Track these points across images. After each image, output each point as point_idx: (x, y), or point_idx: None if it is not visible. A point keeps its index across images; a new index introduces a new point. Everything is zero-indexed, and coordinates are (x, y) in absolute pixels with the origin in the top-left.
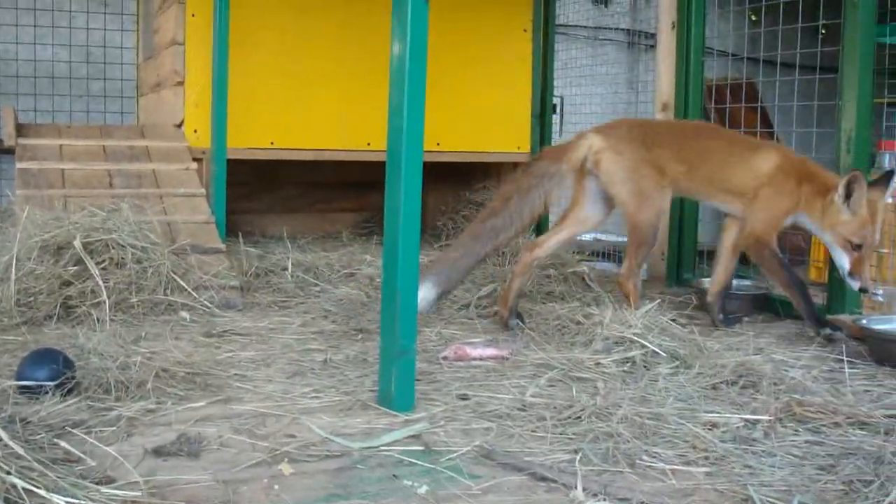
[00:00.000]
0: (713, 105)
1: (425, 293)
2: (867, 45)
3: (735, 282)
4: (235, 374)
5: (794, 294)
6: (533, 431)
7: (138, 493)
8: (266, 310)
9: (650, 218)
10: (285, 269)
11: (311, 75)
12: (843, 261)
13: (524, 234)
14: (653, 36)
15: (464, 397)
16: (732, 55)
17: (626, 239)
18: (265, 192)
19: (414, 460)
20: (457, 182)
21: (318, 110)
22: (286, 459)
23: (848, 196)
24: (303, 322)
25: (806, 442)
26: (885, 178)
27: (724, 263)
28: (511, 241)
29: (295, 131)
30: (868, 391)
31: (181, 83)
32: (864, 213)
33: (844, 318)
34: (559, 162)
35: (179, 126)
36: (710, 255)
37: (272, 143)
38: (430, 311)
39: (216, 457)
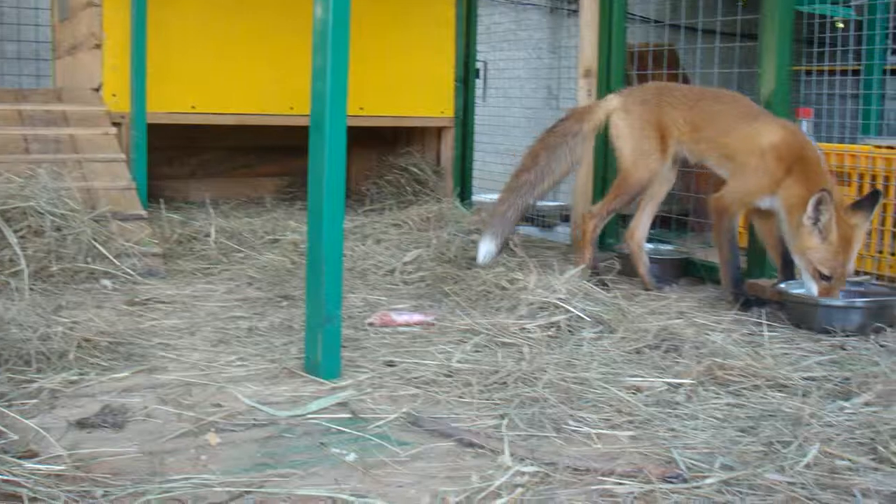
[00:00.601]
0: (635, 71)
1: (488, 247)
2: (786, 14)
3: (656, 246)
4: (159, 343)
5: (728, 272)
6: (459, 397)
7: (62, 467)
8: (189, 277)
9: (642, 176)
10: (208, 235)
11: (232, 38)
12: (811, 287)
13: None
14: (575, 1)
15: (390, 364)
16: (655, 21)
17: (551, 203)
18: (187, 157)
19: (341, 428)
20: (381, 146)
21: (240, 74)
22: (213, 429)
23: (818, 219)
24: (227, 289)
25: (727, 405)
26: (869, 201)
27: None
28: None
29: (217, 95)
30: (787, 354)
31: (99, 46)
32: (835, 240)
33: (763, 282)
34: (582, 122)
35: (98, 90)
36: (632, 219)
37: (193, 108)
38: (490, 262)
39: (141, 428)
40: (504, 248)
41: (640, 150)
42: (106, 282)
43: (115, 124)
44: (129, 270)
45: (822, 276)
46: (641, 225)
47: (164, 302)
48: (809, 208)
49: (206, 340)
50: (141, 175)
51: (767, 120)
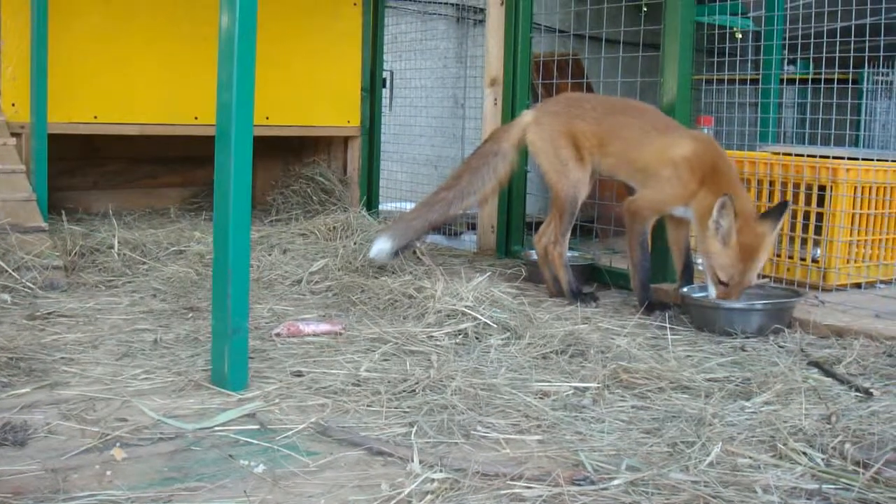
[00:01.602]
0: (540, 80)
1: (382, 245)
2: (687, 24)
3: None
4: (62, 358)
5: (637, 275)
6: (368, 406)
7: None
8: (92, 290)
9: (566, 188)
10: (111, 247)
11: (136, 47)
12: (710, 290)
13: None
14: (482, 11)
15: (298, 374)
16: (559, 31)
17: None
18: (88, 168)
19: (250, 439)
20: (287, 156)
21: (143, 83)
22: (118, 444)
23: (720, 224)
24: (131, 301)
25: (632, 407)
26: (778, 211)
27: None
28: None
29: (119, 105)
30: (689, 356)
31: None
32: (735, 246)
33: (666, 286)
34: (500, 141)
35: None
36: (539, 226)
37: (95, 118)
38: (385, 260)
39: (44, 444)
40: (403, 252)
41: (557, 161)
42: (5, 296)
43: (14, 135)
44: (29, 284)
45: (720, 281)
46: (549, 232)
47: (66, 315)
48: (714, 213)
49: (111, 354)
50: (41, 186)
51: (679, 132)
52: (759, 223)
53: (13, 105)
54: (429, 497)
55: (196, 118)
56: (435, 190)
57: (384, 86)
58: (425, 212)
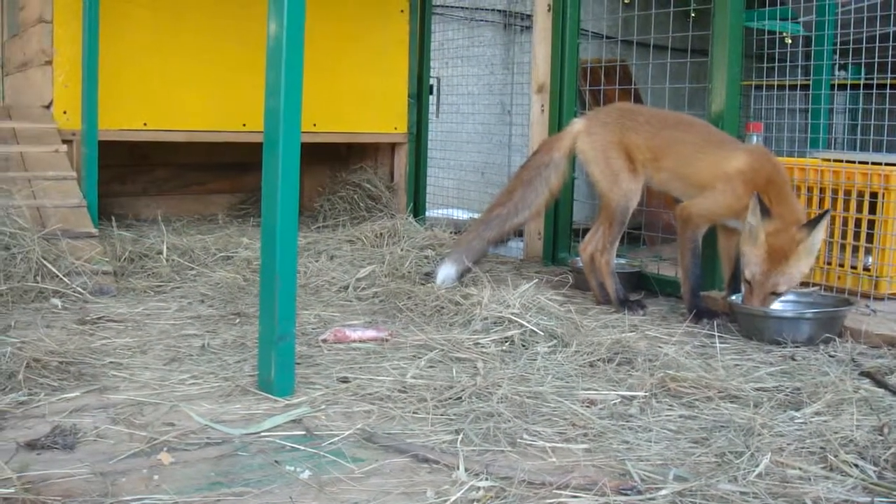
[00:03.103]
0: (588, 86)
1: (447, 272)
2: (736, 30)
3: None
4: (111, 363)
5: (687, 282)
6: (414, 413)
7: (11, 490)
8: (141, 295)
9: (618, 198)
10: (160, 252)
11: (184, 54)
12: (743, 287)
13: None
14: (529, 17)
15: (344, 380)
16: (607, 37)
17: None
18: (138, 175)
19: (296, 445)
20: (334, 163)
21: (191, 90)
22: (165, 448)
23: (750, 223)
24: (179, 307)
25: (680, 416)
26: (816, 219)
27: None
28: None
29: (168, 112)
30: (738, 365)
31: (49, 63)
32: (763, 245)
33: (714, 294)
34: (551, 151)
35: (48, 107)
36: (585, 234)
37: (145, 125)
38: (451, 285)
39: (92, 448)
40: (467, 275)
41: (609, 171)
42: (56, 301)
43: (65, 142)
44: (79, 289)
45: (745, 280)
46: (595, 240)
47: (115, 320)
48: (749, 213)
49: (159, 359)
50: (92, 193)
51: (733, 145)
52: (798, 230)
53: (65, 113)
54: None
55: (244, 125)
56: (489, 207)
57: (431, 92)
58: (482, 230)
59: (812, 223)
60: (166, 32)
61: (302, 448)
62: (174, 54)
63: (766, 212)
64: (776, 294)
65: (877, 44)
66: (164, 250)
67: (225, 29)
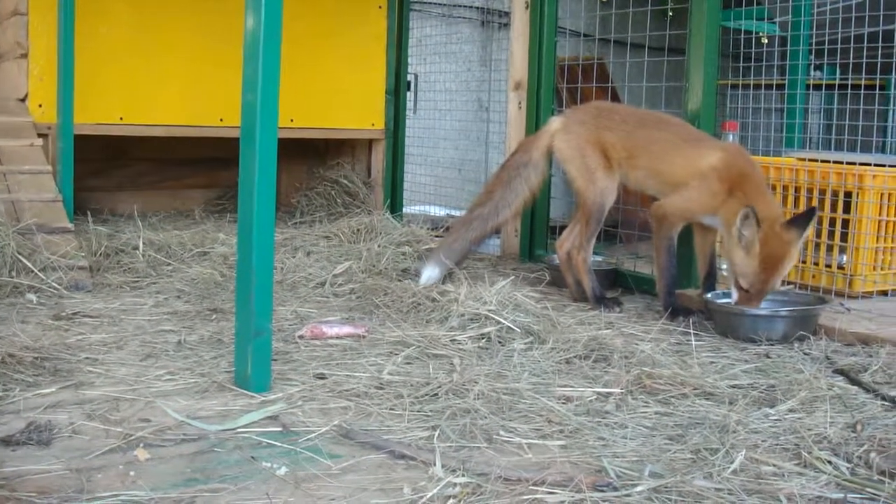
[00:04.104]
0: (565, 84)
1: (430, 273)
2: (712, 29)
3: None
4: (86, 358)
5: (662, 280)
6: (391, 409)
7: None
8: (117, 290)
9: (594, 196)
10: (136, 248)
11: (161, 49)
12: (733, 294)
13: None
14: (507, 14)
15: (321, 376)
16: (584, 35)
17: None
18: (114, 169)
19: (272, 441)
20: (311, 158)
21: (169, 85)
22: (141, 444)
23: (742, 234)
24: (155, 303)
25: (656, 413)
26: (805, 218)
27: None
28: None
29: (145, 106)
30: (713, 363)
31: (24, 55)
32: (757, 255)
33: (690, 292)
34: (530, 150)
35: (23, 100)
36: (562, 231)
37: (121, 119)
38: (435, 286)
39: (68, 444)
40: (450, 276)
41: (586, 169)
42: (31, 296)
43: (41, 135)
44: (54, 284)
45: (741, 288)
46: (571, 237)
47: (91, 316)
48: (737, 223)
49: (135, 354)
50: (67, 187)
51: (709, 143)
52: (785, 231)
53: (40, 106)
54: (451, 501)
55: (221, 120)
56: (470, 207)
57: (409, 89)
58: (464, 232)
59: (799, 224)
60: (143, 26)
61: (278, 444)
62: (151, 48)
63: (759, 221)
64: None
65: (852, 45)
66: (141, 245)
67: (203, 23)
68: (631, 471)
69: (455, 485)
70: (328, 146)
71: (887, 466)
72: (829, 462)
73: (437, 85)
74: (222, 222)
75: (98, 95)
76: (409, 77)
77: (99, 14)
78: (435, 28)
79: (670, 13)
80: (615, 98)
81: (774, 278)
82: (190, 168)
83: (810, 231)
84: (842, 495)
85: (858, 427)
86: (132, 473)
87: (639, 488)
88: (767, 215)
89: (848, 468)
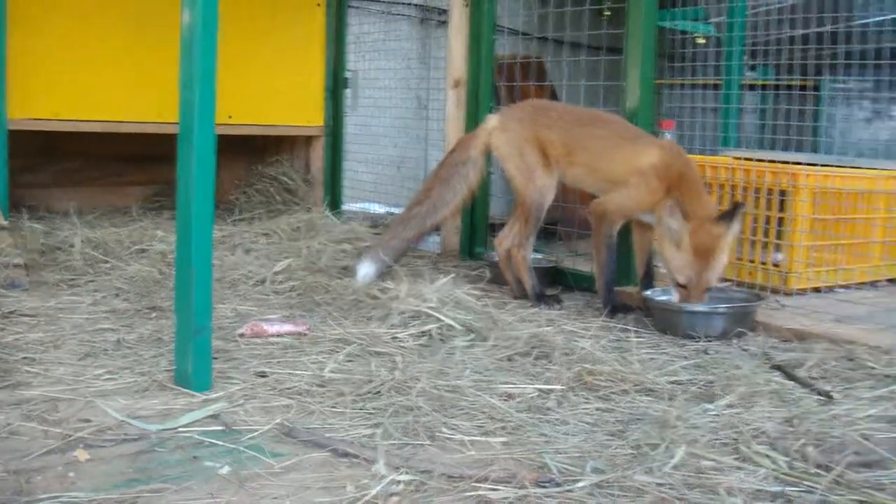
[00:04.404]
0: (503, 82)
1: (366, 270)
2: (649, 29)
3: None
4: (23, 358)
5: (602, 277)
6: (333, 407)
7: None
8: (54, 289)
9: (533, 194)
10: (73, 245)
11: (99, 43)
12: (673, 294)
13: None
14: (445, 12)
15: (262, 375)
16: (523, 34)
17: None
18: (50, 165)
19: (214, 440)
20: (250, 155)
21: (106, 80)
22: (81, 445)
23: (671, 228)
24: (93, 301)
25: (597, 409)
26: (731, 211)
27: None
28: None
29: (81, 102)
30: (653, 359)
31: None
32: (688, 248)
33: (630, 289)
34: (468, 149)
35: None
36: (502, 227)
37: (57, 114)
38: (371, 284)
39: (5, 446)
40: (386, 273)
41: (525, 166)
42: None
43: None
44: None
45: (679, 284)
46: (511, 235)
47: (27, 315)
48: (664, 216)
49: (73, 354)
50: (1, 184)
51: (646, 141)
52: (715, 225)
53: None
54: (394, 499)
55: (159, 115)
56: (408, 205)
57: (347, 86)
58: (401, 230)
59: (727, 217)
60: (80, 20)
61: (220, 443)
62: (88, 43)
63: (685, 214)
64: (709, 290)
65: (785, 46)
66: (78, 243)
67: (141, 18)
68: (573, 467)
69: (398, 482)
70: (267, 143)
71: (823, 460)
72: (768, 456)
73: (377, 82)
74: (161, 219)
75: (33, 90)
76: (348, 74)
77: (33, 7)
78: (374, 25)
79: (607, 13)
80: (553, 96)
81: (708, 271)
82: (128, 164)
83: (739, 226)
84: (780, 488)
85: (795, 421)
86: (72, 475)
87: (580, 484)
88: (700, 212)
89: (785, 462)
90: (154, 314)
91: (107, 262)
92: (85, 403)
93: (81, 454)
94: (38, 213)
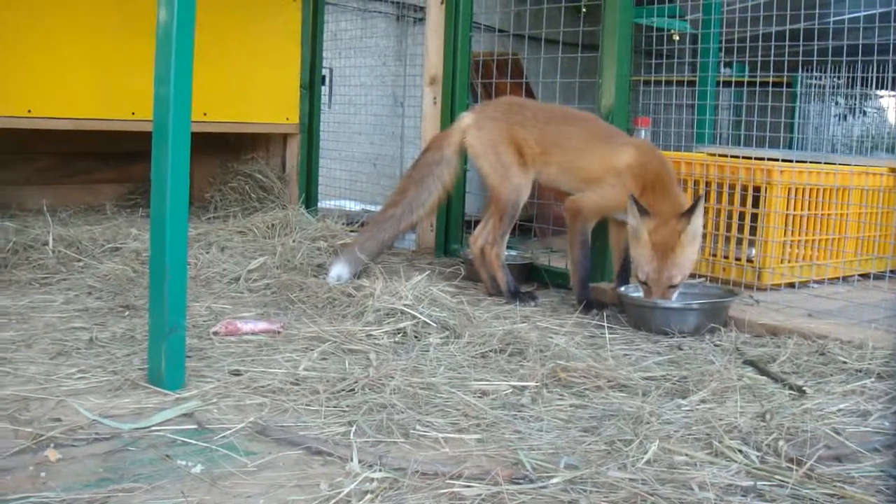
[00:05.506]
0: (480, 79)
1: (339, 271)
2: (625, 26)
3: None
4: None
5: (576, 274)
6: (307, 405)
7: None
8: (26, 287)
9: (508, 192)
10: (46, 243)
11: (71, 40)
12: (642, 289)
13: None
14: (422, 9)
15: (236, 373)
16: (499, 31)
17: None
18: (22, 163)
19: (187, 439)
20: (225, 153)
21: (79, 77)
22: (52, 445)
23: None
24: (66, 299)
25: (571, 406)
26: (691, 207)
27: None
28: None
29: (54, 99)
30: (627, 355)
31: None
32: (647, 244)
33: (604, 285)
34: (442, 148)
35: None
36: (477, 225)
37: (29, 112)
38: (345, 285)
39: None
40: (360, 275)
41: (499, 165)
42: None
43: None
44: None
45: (641, 282)
46: (485, 233)
47: None
48: (629, 212)
49: (45, 353)
50: None
51: (621, 140)
52: (675, 221)
53: None
54: (368, 496)
55: (133, 113)
56: (383, 207)
57: (323, 83)
58: (376, 231)
59: (689, 211)
60: (52, 15)
61: (193, 442)
62: (61, 39)
63: (643, 210)
64: (674, 286)
65: (760, 43)
66: (50, 241)
67: (115, 14)
68: (547, 463)
69: (372, 480)
70: (242, 140)
71: (795, 454)
72: (740, 451)
73: (353, 80)
74: (134, 217)
75: (4, 87)
76: (324, 71)
77: (4, 1)
78: (350, 22)
79: (584, 10)
80: (529, 94)
81: (667, 267)
82: (101, 162)
83: (700, 220)
84: (752, 483)
85: (767, 416)
86: (43, 475)
87: (554, 480)
88: (669, 209)
89: (758, 457)
90: (127, 313)
91: (80, 260)
92: (56, 402)
93: (52, 454)
94: (10, 212)
